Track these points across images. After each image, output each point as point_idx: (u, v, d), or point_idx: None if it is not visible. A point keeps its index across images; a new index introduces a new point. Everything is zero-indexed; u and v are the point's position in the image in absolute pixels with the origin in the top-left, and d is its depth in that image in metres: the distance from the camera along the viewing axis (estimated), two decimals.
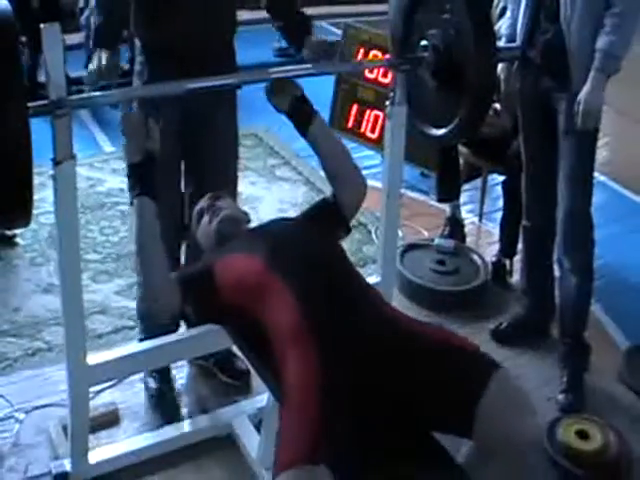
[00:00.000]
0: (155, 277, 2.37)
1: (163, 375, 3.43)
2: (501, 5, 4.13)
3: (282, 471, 1.96)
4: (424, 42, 2.85)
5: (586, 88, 3.14)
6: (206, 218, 2.68)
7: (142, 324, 3.42)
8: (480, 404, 2.10)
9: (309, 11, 3.38)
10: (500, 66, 3.41)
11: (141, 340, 3.34)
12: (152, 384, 3.41)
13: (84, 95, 2.69)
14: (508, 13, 3.49)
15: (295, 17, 3.29)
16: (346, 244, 2.50)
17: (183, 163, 3.29)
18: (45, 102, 2.35)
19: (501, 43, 3.41)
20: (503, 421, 2.11)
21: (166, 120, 2.97)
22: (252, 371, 3.11)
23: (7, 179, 2.09)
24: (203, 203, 2.75)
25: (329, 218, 2.64)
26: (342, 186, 2.69)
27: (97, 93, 2.62)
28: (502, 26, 3.54)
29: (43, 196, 3.53)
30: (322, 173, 5.33)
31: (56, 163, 2.41)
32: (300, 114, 2.74)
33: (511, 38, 3.41)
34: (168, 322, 2.50)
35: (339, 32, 6.29)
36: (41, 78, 5.26)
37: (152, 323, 3.17)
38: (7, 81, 2.06)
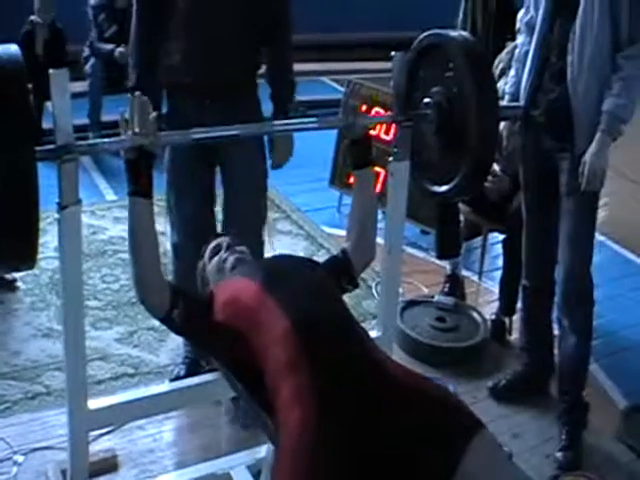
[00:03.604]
0: (142, 272, 2.34)
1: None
2: (501, 66, 4.18)
3: None
4: (427, 99, 2.89)
5: (591, 149, 3.16)
6: (223, 255, 2.68)
7: None
8: (464, 459, 2.07)
9: (313, 67, 3.46)
10: (502, 124, 3.44)
11: None
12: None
13: (91, 141, 2.72)
14: (512, 72, 3.52)
15: (287, 88, 3.44)
16: (346, 298, 2.50)
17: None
18: (52, 147, 2.36)
19: (504, 102, 3.46)
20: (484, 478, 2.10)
21: (193, 149, 3.12)
22: None
23: (14, 222, 2.10)
24: (223, 240, 2.75)
25: (337, 268, 2.63)
26: (358, 243, 2.66)
27: (104, 140, 2.62)
28: (506, 85, 3.58)
29: (44, 241, 3.56)
30: (323, 228, 5.45)
31: (62, 208, 2.41)
32: (362, 150, 2.74)
33: (514, 97, 3.44)
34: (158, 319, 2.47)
35: (342, 89, 6.37)
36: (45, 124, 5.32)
37: None
38: (17, 126, 2.09)
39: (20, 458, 3.28)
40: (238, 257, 2.63)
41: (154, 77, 3.22)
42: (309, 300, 2.33)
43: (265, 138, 3.46)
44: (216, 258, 2.67)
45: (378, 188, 5.00)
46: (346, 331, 2.28)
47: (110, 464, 3.27)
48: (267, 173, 3.53)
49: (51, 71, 2.36)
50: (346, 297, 2.52)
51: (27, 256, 2.24)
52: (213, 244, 2.75)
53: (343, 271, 2.61)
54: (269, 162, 3.52)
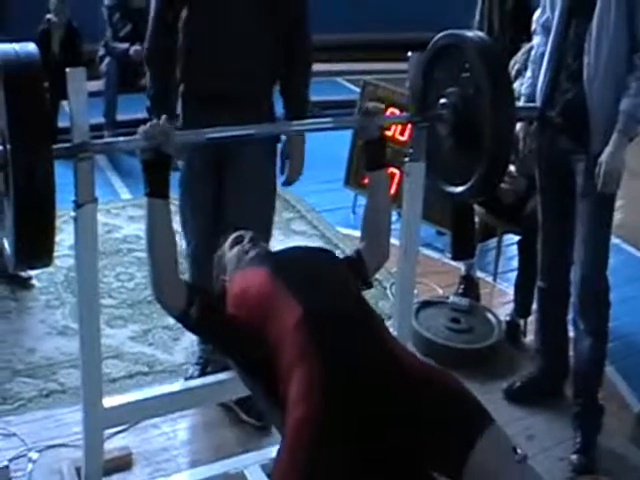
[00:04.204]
0: (160, 271, 2.35)
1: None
2: (517, 67, 4.17)
3: None
4: (443, 100, 2.89)
5: (608, 150, 3.14)
6: (246, 246, 2.68)
7: None
8: (473, 452, 2.08)
9: (328, 67, 3.46)
10: (518, 125, 3.43)
11: None
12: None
13: (107, 140, 2.74)
14: (528, 73, 3.52)
15: (300, 102, 3.39)
16: None
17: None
18: (69, 145, 2.38)
19: (520, 103, 3.45)
20: (493, 473, 2.11)
21: (200, 161, 3.09)
22: None
23: (32, 219, 2.12)
24: (245, 234, 2.76)
25: (352, 267, 2.64)
26: (372, 244, 2.66)
27: (120, 139, 2.64)
28: (522, 86, 3.58)
29: (59, 239, 3.56)
30: (338, 228, 5.45)
31: (78, 206, 2.43)
32: (376, 151, 2.73)
33: (531, 98, 3.44)
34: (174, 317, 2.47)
35: (357, 89, 6.37)
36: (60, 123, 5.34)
37: None
38: (35, 124, 2.10)
39: (35, 455, 3.30)
40: (259, 252, 2.63)
41: (170, 87, 3.22)
42: (322, 289, 2.33)
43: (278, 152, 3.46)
44: (238, 247, 2.67)
45: (393, 189, 5.03)
46: (360, 322, 2.28)
47: (124, 462, 3.28)
48: (275, 186, 3.51)
49: (68, 70, 2.37)
50: None
51: (44, 253, 2.25)
52: (235, 234, 2.75)
53: (356, 272, 2.60)
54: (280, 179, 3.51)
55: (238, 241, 2.69)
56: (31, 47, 2.20)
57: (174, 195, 2.43)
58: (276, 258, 2.52)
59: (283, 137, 3.43)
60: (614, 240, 4.72)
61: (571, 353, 3.70)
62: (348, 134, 5.74)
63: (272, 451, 3.11)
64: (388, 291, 4.70)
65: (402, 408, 2.13)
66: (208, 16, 3.12)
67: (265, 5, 3.19)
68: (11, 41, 2.22)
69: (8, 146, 2.11)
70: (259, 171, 3.33)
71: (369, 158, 2.73)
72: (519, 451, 3.10)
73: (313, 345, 2.15)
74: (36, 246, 2.21)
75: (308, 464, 2.02)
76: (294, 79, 3.36)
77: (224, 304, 2.40)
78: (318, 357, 2.13)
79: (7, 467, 3.18)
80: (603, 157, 3.15)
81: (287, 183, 3.52)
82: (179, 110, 3.25)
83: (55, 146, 2.25)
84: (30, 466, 3.25)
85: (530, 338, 4.22)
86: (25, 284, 4.56)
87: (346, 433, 2.06)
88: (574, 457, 3.45)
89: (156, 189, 2.35)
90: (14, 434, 3.41)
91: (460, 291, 4.65)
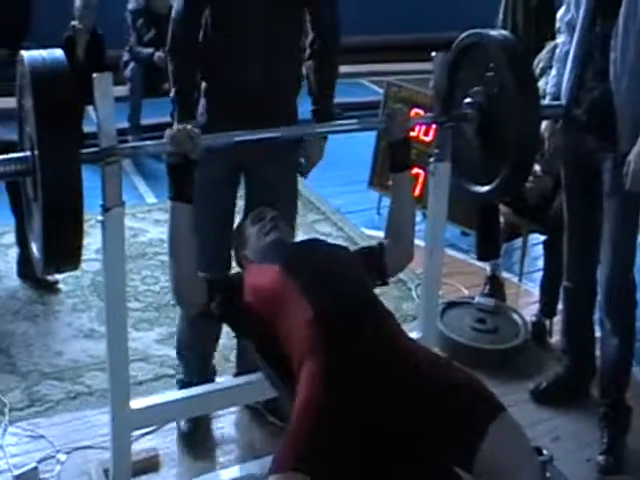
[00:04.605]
0: (181, 271, 2.43)
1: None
2: (541, 65, 4.16)
3: (269, 474, 2.05)
4: (468, 99, 2.89)
5: (636, 149, 3.10)
6: (267, 226, 2.71)
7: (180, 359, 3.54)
8: (484, 441, 2.11)
9: (351, 69, 3.44)
10: (544, 124, 3.42)
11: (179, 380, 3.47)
12: (183, 424, 3.46)
13: (134, 144, 2.75)
14: (553, 71, 3.50)
15: (328, 106, 3.37)
16: (386, 301, 2.52)
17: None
18: (96, 149, 2.40)
19: (545, 101, 3.44)
20: (504, 461, 2.13)
21: (220, 168, 3.05)
22: None
23: (60, 223, 2.14)
24: (267, 212, 2.78)
25: (370, 258, 2.65)
26: (395, 245, 2.69)
27: (147, 142, 2.66)
28: (547, 85, 3.57)
29: (86, 243, 3.56)
30: (363, 230, 5.45)
31: (105, 210, 2.45)
32: (401, 152, 2.76)
33: (556, 96, 3.41)
34: (195, 314, 2.55)
35: (381, 90, 6.37)
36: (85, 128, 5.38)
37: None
38: (62, 128, 2.12)
39: (63, 457, 3.33)
40: (277, 240, 2.67)
41: (194, 83, 3.21)
42: (333, 287, 2.37)
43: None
44: (259, 225, 2.70)
45: (418, 189, 5.03)
46: (368, 320, 2.32)
47: (152, 463, 3.30)
48: (297, 197, 3.51)
49: (95, 75, 2.39)
50: (386, 300, 2.52)
51: (72, 257, 2.28)
52: (257, 211, 2.77)
53: (375, 263, 2.64)
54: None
55: (261, 217, 2.72)
56: (58, 53, 2.23)
57: None
58: (291, 254, 2.55)
59: None
60: None
61: (597, 353, 3.68)
62: (372, 135, 5.73)
63: None
64: (413, 292, 4.69)
65: (407, 406, 2.17)
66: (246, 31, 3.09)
67: (296, 12, 3.19)
68: (38, 47, 2.24)
69: (36, 151, 2.13)
70: (284, 182, 3.32)
71: (394, 159, 2.75)
72: (545, 452, 3.12)
73: (321, 342, 2.22)
74: (64, 250, 2.24)
75: (309, 441, 2.08)
76: (322, 85, 3.35)
77: (242, 290, 2.46)
78: (323, 355, 2.20)
79: (36, 468, 3.21)
80: (631, 156, 3.12)
81: (302, 174, 3.48)
82: (201, 108, 3.22)
83: (83, 151, 2.28)
84: (58, 468, 3.28)
85: (556, 338, 4.20)
86: (52, 288, 4.60)
87: (350, 426, 2.12)
88: (601, 458, 3.43)
89: (180, 193, 2.42)
90: (42, 436, 3.44)
91: (486, 291, 4.64)
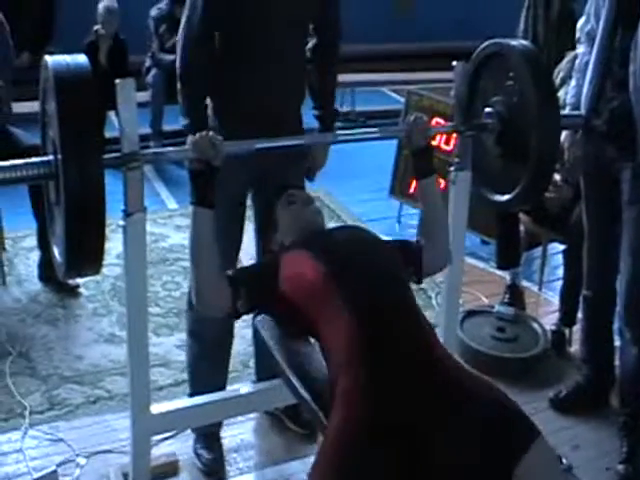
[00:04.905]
0: (203, 275, 2.38)
1: (212, 442, 3.42)
2: (561, 75, 4.16)
3: None
4: (488, 109, 2.90)
5: None
6: (299, 205, 2.67)
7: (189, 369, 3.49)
8: (519, 466, 2.07)
9: (373, 77, 3.44)
10: (564, 134, 3.42)
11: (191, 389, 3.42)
12: (205, 455, 3.38)
13: (157, 150, 2.76)
14: (573, 82, 3.51)
15: (331, 109, 3.38)
16: None
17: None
18: (119, 155, 2.41)
19: (565, 111, 3.44)
20: None
21: (235, 183, 3.04)
22: None
23: (82, 228, 2.16)
24: (298, 193, 2.74)
25: (408, 254, 2.59)
26: (430, 248, 2.64)
27: (169, 148, 2.68)
28: (567, 95, 3.57)
29: (106, 248, 3.60)
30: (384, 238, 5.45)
31: (127, 215, 2.46)
32: (424, 159, 2.74)
33: (576, 106, 3.42)
34: (221, 317, 2.51)
35: (402, 99, 6.38)
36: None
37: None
38: (86, 133, 2.14)
39: (82, 461, 3.35)
40: (316, 220, 2.66)
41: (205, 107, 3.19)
42: (375, 291, 2.30)
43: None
44: (292, 207, 2.66)
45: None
46: (410, 328, 2.26)
47: (171, 468, 3.31)
48: None
49: (118, 81, 2.40)
50: None
51: (94, 262, 2.29)
52: (288, 192, 2.72)
53: (412, 260, 2.59)
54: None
55: (291, 201, 2.69)
56: (82, 59, 2.24)
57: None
58: (332, 247, 2.46)
59: None
60: None
61: (617, 362, 3.67)
62: (393, 144, 5.74)
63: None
64: (433, 300, 4.69)
65: (448, 414, 2.13)
66: (248, 37, 3.07)
67: (304, 22, 3.19)
68: (61, 53, 2.26)
69: (59, 155, 2.14)
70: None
71: (417, 167, 2.74)
72: (564, 461, 3.11)
73: (362, 352, 2.16)
74: (85, 254, 2.25)
75: (346, 462, 2.04)
76: (326, 90, 3.37)
77: (276, 280, 2.39)
78: (365, 364, 2.15)
79: (55, 472, 3.23)
80: None
81: (309, 179, 3.43)
82: (211, 124, 3.19)
83: (105, 156, 2.29)
84: (78, 471, 3.30)
85: (576, 347, 4.20)
86: (73, 292, 4.63)
87: (390, 440, 2.07)
88: (620, 467, 3.42)
89: (202, 198, 2.41)
90: (62, 440, 3.46)
91: (506, 300, 4.64)
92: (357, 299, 2.25)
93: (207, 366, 3.37)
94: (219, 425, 3.44)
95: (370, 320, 2.22)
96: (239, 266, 2.97)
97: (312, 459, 3.17)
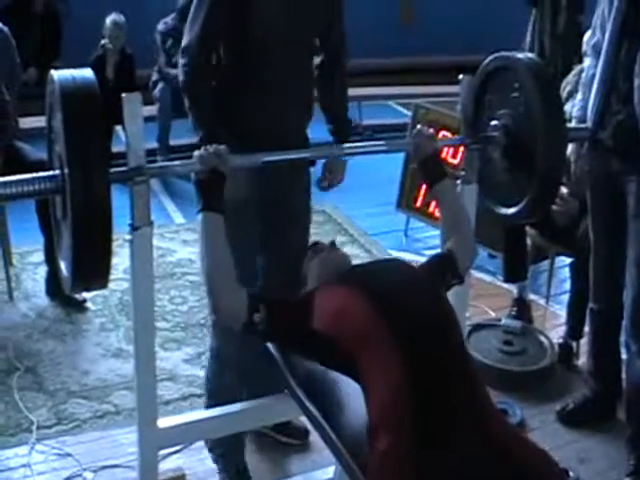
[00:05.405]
0: (217, 281, 2.31)
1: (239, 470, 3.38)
2: (568, 88, 4.17)
3: None
4: (494, 122, 2.90)
5: None
6: (325, 252, 2.64)
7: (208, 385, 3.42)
8: None
9: (379, 91, 3.43)
10: (570, 147, 3.43)
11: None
12: None
13: (163, 164, 2.77)
14: (579, 95, 3.51)
15: (344, 123, 3.37)
16: None
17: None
18: (125, 169, 2.41)
19: (571, 124, 3.44)
20: None
21: (243, 200, 3.03)
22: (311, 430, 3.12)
23: (89, 242, 2.16)
24: (322, 244, 2.71)
25: (443, 264, 2.58)
26: (460, 245, 2.61)
27: (175, 162, 2.67)
28: (573, 108, 3.57)
29: (114, 263, 3.57)
30: (391, 252, 5.46)
31: (134, 229, 2.46)
32: (434, 165, 2.73)
33: (582, 120, 3.42)
34: (238, 329, 2.39)
35: (409, 112, 6.39)
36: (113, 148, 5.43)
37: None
38: (92, 148, 2.14)
39: (89, 475, 3.35)
40: (348, 261, 2.62)
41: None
42: (423, 329, 2.24)
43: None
44: (320, 255, 2.63)
45: None
46: (459, 373, 2.21)
47: None
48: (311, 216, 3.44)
49: (124, 95, 2.40)
50: None
51: (100, 276, 2.29)
52: (312, 244, 2.73)
53: (448, 267, 2.56)
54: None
55: (317, 251, 2.67)
56: (88, 73, 2.24)
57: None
58: (372, 280, 2.41)
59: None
60: None
61: (624, 375, 3.66)
62: (400, 157, 5.75)
63: (327, 472, 3.14)
64: None
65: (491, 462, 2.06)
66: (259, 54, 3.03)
67: (310, 41, 3.18)
68: (68, 67, 2.27)
69: (65, 170, 2.15)
70: (304, 207, 3.33)
71: (428, 174, 2.73)
72: (571, 474, 3.09)
73: (412, 406, 2.10)
74: (92, 268, 2.25)
75: None
76: (337, 106, 3.36)
77: (308, 314, 2.32)
78: (414, 421, 2.08)
79: None
80: None
81: (324, 189, 3.43)
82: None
83: (112, 170, 2.29)
84: None
85: (583, 360, 4.19)
86: (80, 307, 4.64)
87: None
88: None
89: (211, 203, 2.38)
90: (69, 454, 3.47)
91: (513, 313, 4.64)
92: (405, 333, 2.19)
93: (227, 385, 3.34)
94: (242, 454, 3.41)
95: (423, 371, 2.15)
96: None
97: (311, 474, 3.22)
